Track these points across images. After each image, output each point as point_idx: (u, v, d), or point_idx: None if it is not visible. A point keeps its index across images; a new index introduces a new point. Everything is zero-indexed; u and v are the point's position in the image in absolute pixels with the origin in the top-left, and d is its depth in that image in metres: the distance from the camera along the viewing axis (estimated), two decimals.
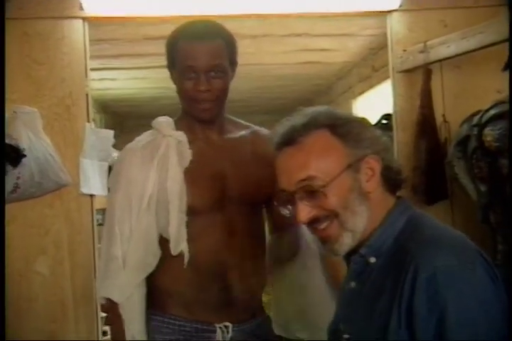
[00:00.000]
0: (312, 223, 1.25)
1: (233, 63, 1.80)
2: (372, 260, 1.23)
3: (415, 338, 1.11)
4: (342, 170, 1.20)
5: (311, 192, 1.22)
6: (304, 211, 1.22)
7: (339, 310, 1.34)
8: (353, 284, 1.28)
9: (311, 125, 1.24)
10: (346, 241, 1.23)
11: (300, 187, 1.22)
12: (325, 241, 1.26)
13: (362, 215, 1.22)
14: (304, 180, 1.21)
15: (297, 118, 1.27)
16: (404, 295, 1.13)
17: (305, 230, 2.11)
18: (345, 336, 1.26)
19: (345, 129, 1.24)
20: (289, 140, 1.24)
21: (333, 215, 1.22)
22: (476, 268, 1.13)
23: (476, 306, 1.10)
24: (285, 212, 1.28)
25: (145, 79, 4.91)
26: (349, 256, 1.28)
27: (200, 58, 1.72)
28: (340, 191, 1.21)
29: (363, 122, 1.32)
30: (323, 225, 1.24)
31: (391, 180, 1.27)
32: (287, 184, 1.24)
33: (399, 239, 1.22)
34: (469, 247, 1.18)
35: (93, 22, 2.85)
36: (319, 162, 1.21)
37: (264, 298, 2.00)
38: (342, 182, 1.20)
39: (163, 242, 1.77)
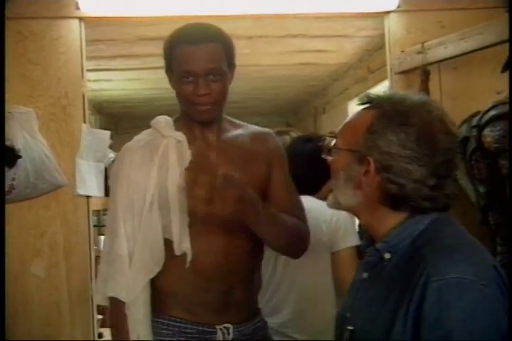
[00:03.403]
0: None
1: (231, 66, 1.79)
2: (387, 256, 1.26)
3: None
4: (349, 149, 1.29)
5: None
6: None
7: (348, 299, 1.37)
8: (365, 275, 1.32)
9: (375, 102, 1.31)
10: (329, 199, 1.36)
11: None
12: None
13: (346, 194, 1.30)
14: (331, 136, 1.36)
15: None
16: (413, 299, 1.13)
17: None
18: (349, 327, 1.28)
19: (383, 127, 1.24)
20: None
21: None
22: (489, 285, 1.12)
23: (487, 324, 1.09)
24: None
25: (140, 80, 4.90)
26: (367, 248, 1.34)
27: (197, 62, 1.70)
28: (338, 163, 1.32)
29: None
30: None
31: (391, 195, 1.25)
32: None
33: (417, 241, 1.23)
34: (487, 262, 1.19)
35: (89, 22, 2.83)
36: (349, 131, 1.31)
37: None
38: (343, 157, 1.31)
39: (165, 243, 1.75)
